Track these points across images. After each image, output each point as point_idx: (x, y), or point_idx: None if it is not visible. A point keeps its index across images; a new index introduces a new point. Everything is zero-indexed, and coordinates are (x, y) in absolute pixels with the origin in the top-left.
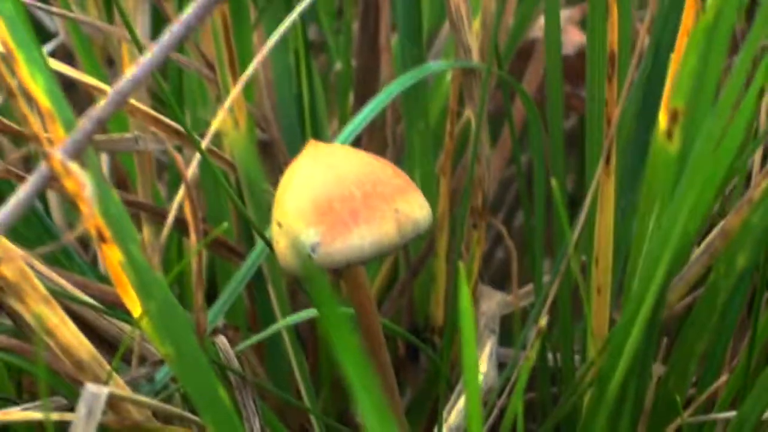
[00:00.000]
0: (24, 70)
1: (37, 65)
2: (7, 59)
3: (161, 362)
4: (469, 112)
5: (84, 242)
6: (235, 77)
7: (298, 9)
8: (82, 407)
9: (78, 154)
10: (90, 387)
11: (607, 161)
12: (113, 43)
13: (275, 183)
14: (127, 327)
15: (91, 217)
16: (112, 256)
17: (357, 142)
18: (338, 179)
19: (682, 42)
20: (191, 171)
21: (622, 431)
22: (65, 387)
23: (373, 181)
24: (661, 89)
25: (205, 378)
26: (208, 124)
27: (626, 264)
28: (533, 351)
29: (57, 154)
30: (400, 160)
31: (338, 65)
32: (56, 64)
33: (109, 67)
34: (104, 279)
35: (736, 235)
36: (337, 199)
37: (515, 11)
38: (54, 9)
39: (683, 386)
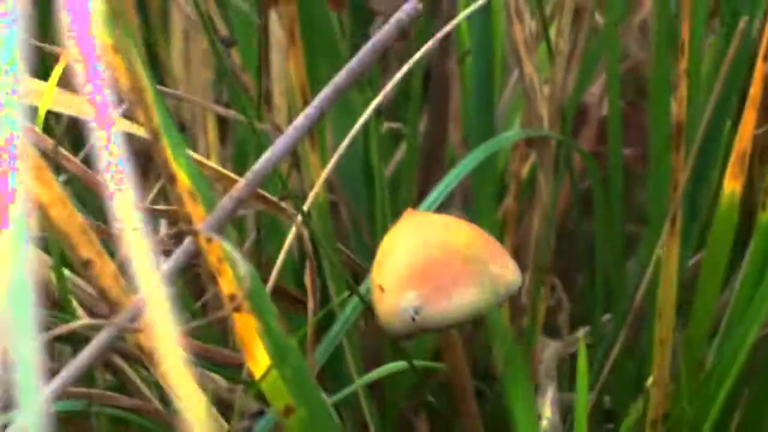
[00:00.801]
0: (168, 153)
1: (179, 149)
2: (155, 145)
3: (259, 414)
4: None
5: None
6: (314, 146)
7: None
8: None
9: (219, 230)
10: None
11: (673, 223)
12: None
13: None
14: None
15: (235, 290)
16: (244, 325)
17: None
18: (438, 245)
19: (750, 114)
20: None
21: None
22: None
23: (468, 247)
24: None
25: None
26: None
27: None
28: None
29: (202, 230)
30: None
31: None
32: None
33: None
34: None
35: None
36: (437, 264)
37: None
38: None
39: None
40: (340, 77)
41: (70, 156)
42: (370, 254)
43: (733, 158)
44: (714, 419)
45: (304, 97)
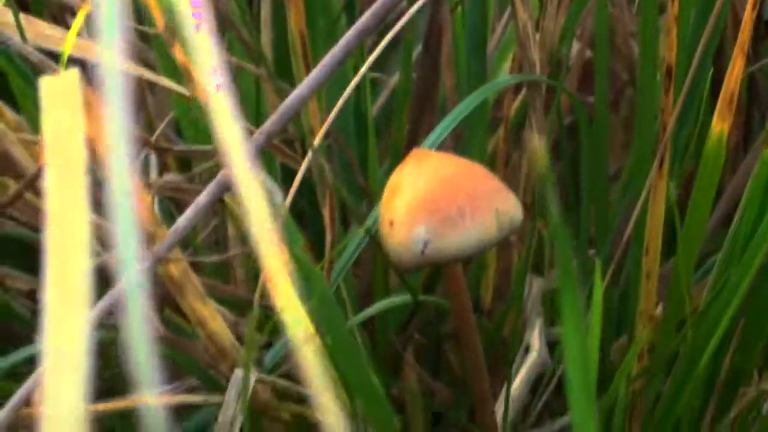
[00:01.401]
0: (201, 88)
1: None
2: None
3: (268, 346)
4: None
5: None
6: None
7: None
8: (232, 389)
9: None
10: (239, 372)
11: (661, 164)
12: None
13: None
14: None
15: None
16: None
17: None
18: (444, 182)
19: (738, 59)
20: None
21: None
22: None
23: (473, 183)
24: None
25: (360, 366)
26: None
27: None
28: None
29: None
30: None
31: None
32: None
33: None
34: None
35: None
36: (445, 199)
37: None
38: None
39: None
40: (360, 23)
41: None
42: (363, 195)
43: (721, 100)
44: (711, 352)
45: (304, 45)
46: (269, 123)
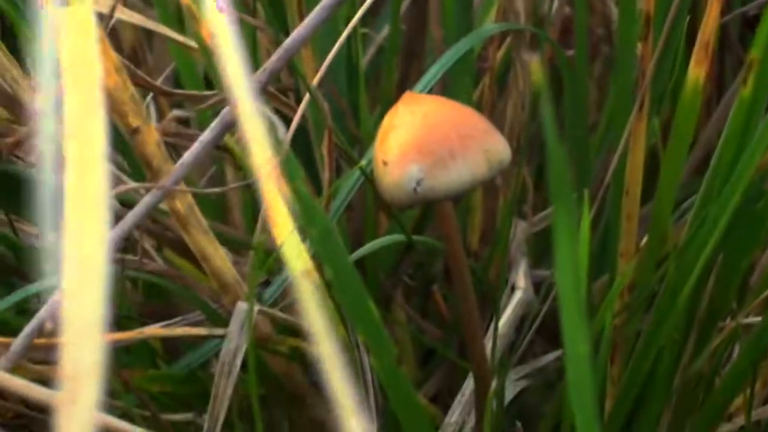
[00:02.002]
0: (205, 28)
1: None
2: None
3: (266, 283)
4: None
5: None
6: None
7: None
8: (235, 321)
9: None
10: (242, 305)
11: (641, 108)
12: None
13: None
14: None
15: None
16: (271, 190)
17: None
18: (435, 123)
19: (714, 7)
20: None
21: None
22: (202, 306)
23: (463, 124)
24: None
25: (360, 295)
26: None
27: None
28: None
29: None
30: None
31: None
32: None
33: None
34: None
35: None
36: (436, 140)
37: None
38: None
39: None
40: None
41: None
42: (354, 141)
43: (697, 47)
44: (691, 287)
45: None
46: (271, 61)
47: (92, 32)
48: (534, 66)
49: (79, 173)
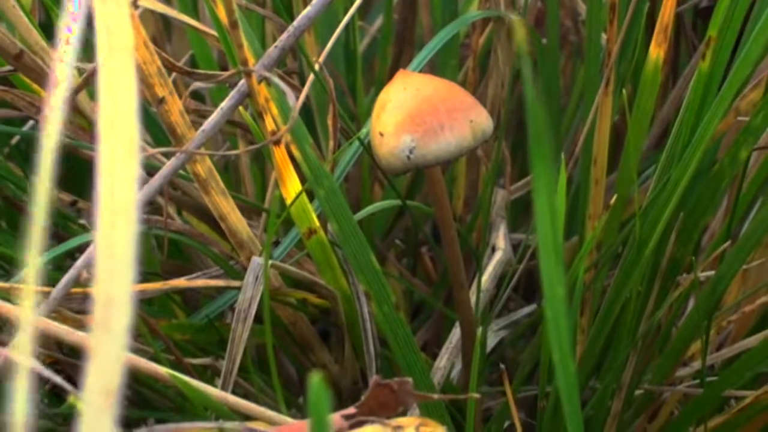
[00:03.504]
0: (222, 12)
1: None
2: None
3: (275, 243)
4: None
5: None
6: (310, 29)
7: None
8: (250, 275)
9: (267, 74)
10: (256, 259)
11: (607, 85)
12: None
13: None
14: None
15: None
16: (280, 154)
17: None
18: (426, 98)
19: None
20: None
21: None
22: (220, 261)
23: (451, 99)
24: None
25: (362, 247)
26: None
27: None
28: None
29: (254, 72)
30: None
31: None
32: None
33: None
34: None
35: (740, 135)
36: (426, 113)
37: None
38: None
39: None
40: None
41: None
42: (352, 118)
43: (657, 29)
44: (655, 242)
45: None
46: (281, 39)
47: (126, 4)
48: (516, 24)
49: (113, 137)
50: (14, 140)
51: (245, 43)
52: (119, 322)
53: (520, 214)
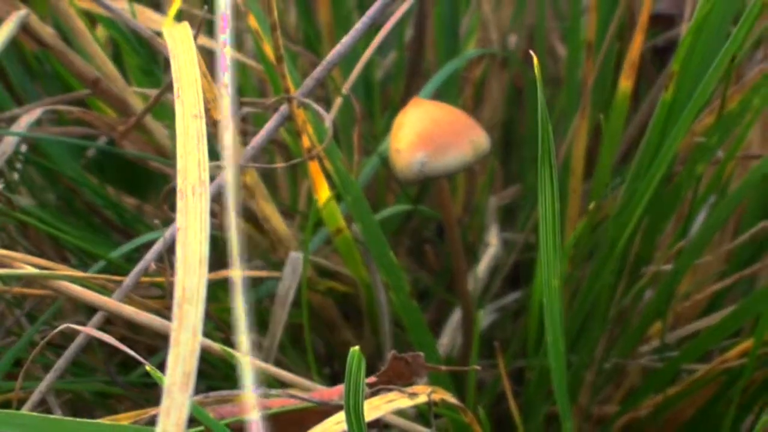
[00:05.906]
0: (268, 49)
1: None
2: (256, 37)
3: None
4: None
5: None
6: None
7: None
8: (288, 266)
9: (306, 100)
10: (294, 253)
11: (583, 111)
12: None
13: None
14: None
15: (311, 141)
16: (315, 167)
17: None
18: (435, 121)
19: (639, 35)
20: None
21: (609, 277)
22: (262, 255)
23: (456, 122)
24: (611, 66)
25: (383, 244)
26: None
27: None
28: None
29: (295, 98)
30: None
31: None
32: None
33: None
34: None
35: (696, 153)
36: (436, 134)
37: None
38: None
39: (651, 249)
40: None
41: None
42: (371, 137)
43: (626, 65)
44: (624, 241)
45: (330, 30)
46: (317, 71)
47: (193, 49)
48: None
49: (185, 154)
50: (90, 153)
51: (288, 75)
52: (195, 314)
53: (509, 216)
